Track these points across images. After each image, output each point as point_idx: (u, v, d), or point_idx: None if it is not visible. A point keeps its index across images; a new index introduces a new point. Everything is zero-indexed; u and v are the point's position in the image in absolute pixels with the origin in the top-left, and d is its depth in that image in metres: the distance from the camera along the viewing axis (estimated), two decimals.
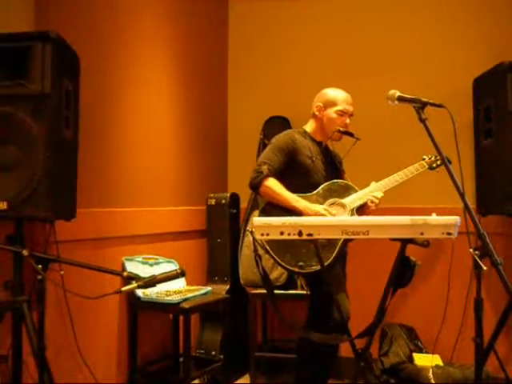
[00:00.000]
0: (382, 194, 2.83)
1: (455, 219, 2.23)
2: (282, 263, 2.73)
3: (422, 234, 2.28)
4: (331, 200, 2.84)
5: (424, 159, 2.89)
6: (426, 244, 2.32)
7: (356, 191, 2.84)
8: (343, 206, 2.81)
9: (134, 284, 1.92)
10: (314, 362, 2.79)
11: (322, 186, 2.87)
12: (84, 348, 2.76)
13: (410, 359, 3.26)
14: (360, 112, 3.39)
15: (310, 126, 3.04)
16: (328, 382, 2.94)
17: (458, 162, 2.11)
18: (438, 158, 2.79)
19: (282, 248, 2.71)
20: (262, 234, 2.30)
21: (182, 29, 3.87)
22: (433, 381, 3.01)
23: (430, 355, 3.14)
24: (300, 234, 2.29)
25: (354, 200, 2.82)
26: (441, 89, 3.30)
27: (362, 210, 2.87)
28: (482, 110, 3.29)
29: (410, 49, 3.82)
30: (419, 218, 2.28)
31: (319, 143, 3.02)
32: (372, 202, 2.81)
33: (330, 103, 2.95)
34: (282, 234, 2.29)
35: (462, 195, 2.07)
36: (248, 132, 4.23)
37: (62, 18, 2.77)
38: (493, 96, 3.16)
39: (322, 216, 2.69)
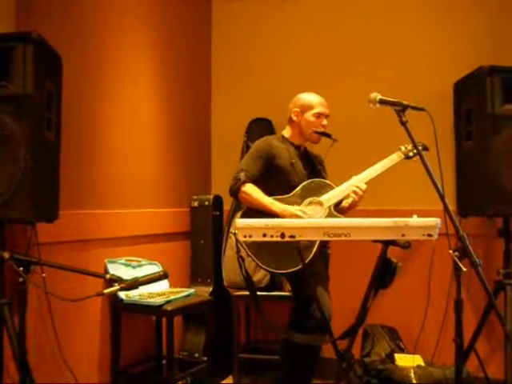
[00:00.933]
0: (366, 186, 2.86)
1: (435, 221, 2.26)
2: (262, 264, 2.77)
3: (403, 235, 2.31)
4: (309, 199, 2.87)
5: (400, 149, 2.94)
6: (407, 245, 2.35)
7: (333, 188, 2.88)
8: (320, 203, 2.85)
9: (116, 286, 1.91)
10: (297, 363, 2.81)
11: (299, 186, 2.92)
12: (66, 351, 2.75)
13: (392, 359, 3.29)
14: (342, 114, 3.42)
15: (287, 132, 3.10)
16: (311, 382, 2.95)
17: (438, 164, 2.13)
18: (412, 148, 2.86)
19: (261, 249, 2.74)
20: (245, 236, 2.31)
21: (165, 30, 3.86)
22: (414, 381, 3.03)
23: (412, 355, 3.17)
24: (282, 235, 2.31)
25: (330, 197, 2.86)
26: (422, 92, 3.33)
27: (342, 206, 2.92)
28: (463, 113, 3.32)
29: (392, 52, 3.85)
30: (400, 220, 2.30)
31: (298, 147, 3.08)
32: (355, 193, 2.84)
33: (307, 107, 3.02)
34: (264, 235, 2.31)
35: (441, 197, 2.10)
36: (232, 134, 4.24)
37: (44, 19, 2.76)
38: (473, 99, 3.19)
39: (297, 217, 2.71)
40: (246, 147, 4.07)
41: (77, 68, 2.93)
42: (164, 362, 3.43)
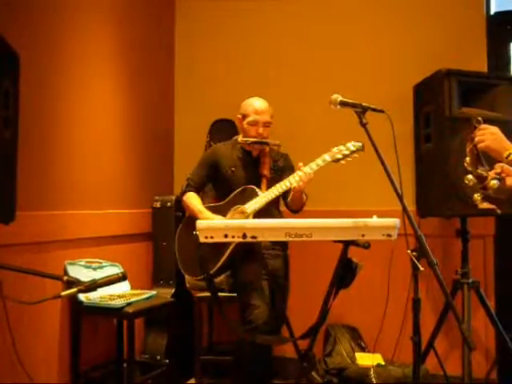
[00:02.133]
0: (310, 171, 2.84)
1: (395, 221, 2.31)
2: (186, 273, 3.06)
3: (363, 235, 2.35)
4: (235, 207, 2.97)
5: (330, 151, 2.82)
6: (367, 246, 2.38)
7: (257, 196, 2.92)
8: (243, 211, 2.92)
9: (74, 288, 1.88)
10: (252, 364, 2.82)
11: (233, 193, 3.02)
12: (23, 355, 2.69)
13: (353, 359, 3.32)
14: (303, 116, 3.44)
15: (241, 136, 3.17)
16: (271, 382, 2.97)
17: (396, 165, 2.16)
18: (345, 148, 2.76)
19: (184, 253, 3.04)
20: (206, 237, 2.31)
21: (128, 29, 3.82)
22: (374, 380, 3.07)
23: (372, 354, 3.21)
24: (244, 236, 2.32)
25: (251, 204, 2.91)
26: (383, 95, 3.38)
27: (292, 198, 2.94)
28: (422, 115, 3.38)
29: (353, 55, 3.89)
30: (360, 221, 2.34)
31: (248, 152, 3.14)
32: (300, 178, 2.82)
33: (244, 115, 3.11)
34: (226, 236, 2.32)
35: (400, 198, 2.13)
36: (194, 134, 4.22)
37: (1, 16, 2.69)
38: (431, 102, 3.26)
39: None
40: (209, 148, 4.06)
41: (36, 66, 2.88)
42: (125, 365, 3.39)
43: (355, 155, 2.75)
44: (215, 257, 2.87)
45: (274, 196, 2.88)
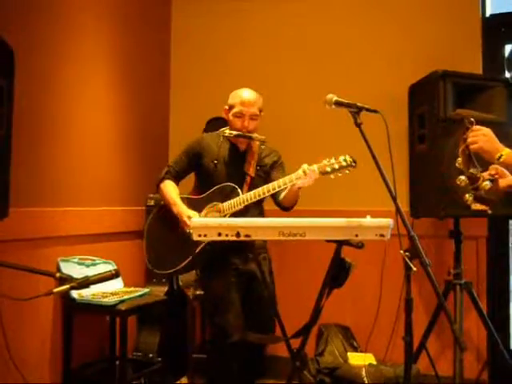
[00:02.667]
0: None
1: (388, 221, 2.31)
2: (152, 266, 2.93)
3: (356, 235, 2.35)
4: (212, 204, 2.86)
5: (321, 162, 2.63)
6: (360, 245, 2.39)
7: (238, 196, 2.79)
8: (219, 210, 2.82)
9: (66, 285, 1.87)
10: (228, 363, 2.82)
11: (212, 189, 2.89)
12: (15, 351, 2.69)
13: (345, 358, 3.33)
14: (298, 115, 3.44)
15: (227, 129, 3.02)
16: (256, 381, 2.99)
17: (390, 166, 2.17)
18: (336, 162, 2.59)
19: (156, 251, 2.94)
20: (200, 235, 2.31)
21: (124, 28, 3.82)
22: (365, 379, 3.08)
23: (364, 354, 3.22)
24: (238, 235, 2.31)
25: (230, 206, 2.79)
26: (378, 95, 3.37)
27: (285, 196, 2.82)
28: (416, 116, 3.39)
29: (348, 56, 3.90)
30: (354, 220, 2.34)
31: (235, 145, 2.99)
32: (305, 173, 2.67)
33: (231, 106, 2.94)
34: (219, 235, 2.31)
35: (393, 198, 2.13)
36: (189, 133, 4.17)
37: None
38: (426, 103, 3.26)
39: (184, 223, 2.78)
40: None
41: (31, 63, 2.88)
42: (117, 362, 3.39)
43: (346, 171, 2.57)
44: (186, 253, 2.80)
45: (254, 199, 2.74)
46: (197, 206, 2.87)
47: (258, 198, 2.75)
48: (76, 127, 3.37)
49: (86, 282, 1.89)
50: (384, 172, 2.18)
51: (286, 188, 2.73)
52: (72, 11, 3.30)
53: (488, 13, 3.70)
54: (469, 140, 2.06)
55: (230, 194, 2.81)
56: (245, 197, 2.76)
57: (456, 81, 3.18)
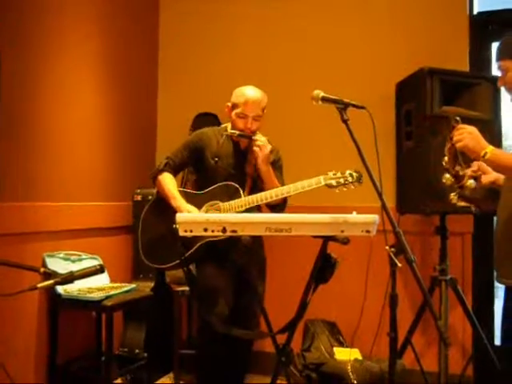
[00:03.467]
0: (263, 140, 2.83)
1: (374, 217, 2.32)
2: (149, 262, 2.86)
3: (342, 231, 2.36)
4: (212, 202, 2.81)
5: (327, 174, 2.62)
6: (345, 241, 2.40)
7: (240, 197, 2.74)
8: (219, 209, 2.77)
9: (50, 280, 1.86)
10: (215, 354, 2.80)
11: (214, 185, 2.84)
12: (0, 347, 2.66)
13: (331, 354, 3.34)
14: (286, 112, 3.43)
15: (229, 125, 2.97)
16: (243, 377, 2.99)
17: (377, 162, 2.17)
18: (343, 176, 2.59)
19: (151, 248, 2.85)
20: (186, 231, 2.30)
21: (111, 23, 3.79)
22: (351, 375, 3.09)
23: (349, 349, 3.23)
24: (224, 230, 2.31)
25: (230, 206, 2.75)
26: (365, 92, 3.36)
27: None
28: (403, 113, 3.40)
29: (336, 53, 3.89)
30: (340, 216, 2.35)
31: (236, 143, 2.94)
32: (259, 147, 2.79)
33: (234, 105, 2.87)
34: (205, 230, 2.31)
35: (379, 194, 2.14)
36: (177, 128, 4.19)
37: None
38: (413, 100, 3.27)
39: None
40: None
41: (17, 59, 2.86)
42: (103, 358, 3.37)
43: (352, 186, 2.56)
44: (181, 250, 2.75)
45: (256, 204, 2.71)
46: (196, 201, 2.82)
47: (260, 203, 2.73)
48: (63, 122, 3.34)
49: (70, 277, 1.88)
50: (370, 168, 2.18)
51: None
52: (59, 8, 3.27)
53: (475, 11, 3.72)
54: (454, 138, 2.09)
55: (232, 195, 2.76)
56: (247, 200, 2.72)
57: (443, 78, 3.19)
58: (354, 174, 2.55)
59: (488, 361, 3.15)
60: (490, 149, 2.05)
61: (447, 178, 2.06)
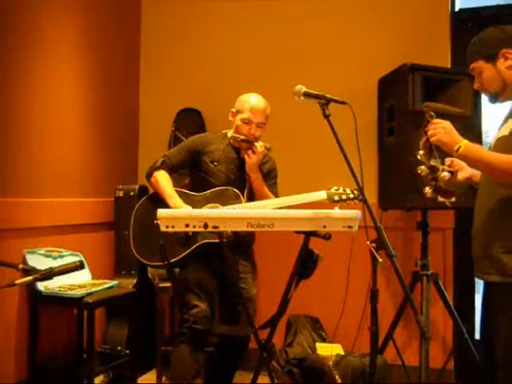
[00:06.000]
0: (263, 147, 2.87)
1: (356, 213, 2.33)
2: (142, 259, 2.83)
3: (324, 227, 2.36)
4: (211, 204, 2.81)
5: (329, 189, 2.72)
6: (327, 237, 2.40)
7: (240, 202, 2.76)
8: None
9: (29, 277, 1.84)
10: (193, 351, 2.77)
11: (214, 189, 2.85)
12: None
13: (314, 349, 3.35)
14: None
15: (231, 131, 2.99)
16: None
17: (358, 157, 2.18)
18: (344, 193, 2.69)
19: (143, 241, 2.81)
20: (167, 226, 2.29)
21: (93, 17, 3.75)
22: (333, 369, 3.11)
23: (331, 345, 3.24)
24: (206, 226, 2.30)
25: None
26: (347, 88, 3.35)
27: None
28: (385, 108, 3.41)
29: (318, 49, 3.89)
30: (322, 212, 2.35)
31: (237, 149, 2.96)
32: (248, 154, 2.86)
33: (239, 110, 2.91)
34: (187, 226, 2.30)
35: (360, 189, 2.15)
36: (160, 124, 4.18)
37: None
38: (395, 96, 3.28)
39: None
40: (174, 138, 4.03)
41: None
42: (85, 355, 3.35)
43: (353, 203, 2.66)
44: (178, 248, 2.76)
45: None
46: (193, 202, 2.81)
47: (260, 212, 2.66)
48: (44, 118, 3.31)
49: (49, 274, 1.86)
50: (352, 164, 2.18)
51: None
52: (40, 1, 3.25)
53: (457, 7, 3.75)
54: (429, 132, 2.11)
55: (232, 199, 2.77)
56: (249, 206, 2.73)
57: (425, 74, 3.21)
58: (356, 192, 2.64)
59: (469, 355, 3.19)
60: (463, 143, 2.07)
61: (422, 169, 2.08)
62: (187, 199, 2.82)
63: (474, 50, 2.24)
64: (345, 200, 2.65)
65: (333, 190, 2.68)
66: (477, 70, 2.22)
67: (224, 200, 2.79)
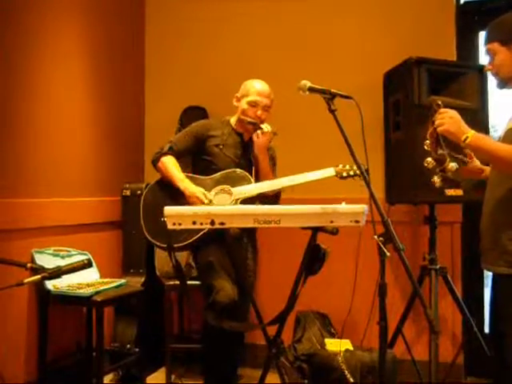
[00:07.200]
0: (270, 129, 2.89)
1: (363, 207, 2.32)
2: (155, 241, 2.80)
3: (331, 222, 2.35)
4: (221, 186, 2.84)
5: (337, 166, 2.84)
6: (334, 231, 2.39)
7: (250, 183, 2.81)
8: (230, 193, 2.81)
9: (38, 275, 1.85)
10: (219, 350, 2.78)
11: (221, 172, 2.88)
12: None
13: (322, 345, 3.34)
14: (275, 103, 3.41)
15: (233, 117, 3.04)
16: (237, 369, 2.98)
17: (364, 152, 2.17)
18: (352, 169, 2.79)
19: (156, 229, 2.75)
20: (174, 224, 2.29)
21: (98, 16, 3.76)
22: (342, 365, 3.10)
23: (340, 340, 3.23)
24: (212, 223, 2.30)
25: (241, 191, 2.80)
26: (353, 82, 3.34)
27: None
28: (391, 103, 3.39)
29: (323, 43, 3.88)
30: (329, 207, 2.34)
31: (240, 134, 3.01)
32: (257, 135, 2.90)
33: (244, 94, 2.96)
34: (194, 223, 2.30)
35: (367, 184, 2.14)
36: (165, 122, 4.18)
37: None
38: (401, 90, 3.26)
39: (197, 199, 2.72)
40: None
41: (2, 54, 2.82)
42: (94, 354, 3.36)
43: (357, 178, 2.75)
44: (184, 235, 2.73)
45: (269, 189, 2.78)
46: (203, 185, 2.84)
47: (271, 189, 2.79)
48: (50, 118, 3.32)
49: (57, 272, 1.87)
50: (358, 159, 2.18)
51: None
52: (44, 5, 3.25)
53: (462, 0, 3.72)
54: (436, 122, 2.09)
55: (240, 181, 2.82)
56: (260, 185, 2.78)
57: (430, 68, 3.18)
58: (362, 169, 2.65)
59: (478, 349, 3.18)
60: (471, 133, 2.05)
61: (429, 161, 2.08)
62: (196, 183, 2.84)
63: (491, 31, 2.22)
64: (352, 176, 2.76)
65: (340, 167, 2.79)
66: (491, 51, 2.20)
67: (233, 182, 2.83)
